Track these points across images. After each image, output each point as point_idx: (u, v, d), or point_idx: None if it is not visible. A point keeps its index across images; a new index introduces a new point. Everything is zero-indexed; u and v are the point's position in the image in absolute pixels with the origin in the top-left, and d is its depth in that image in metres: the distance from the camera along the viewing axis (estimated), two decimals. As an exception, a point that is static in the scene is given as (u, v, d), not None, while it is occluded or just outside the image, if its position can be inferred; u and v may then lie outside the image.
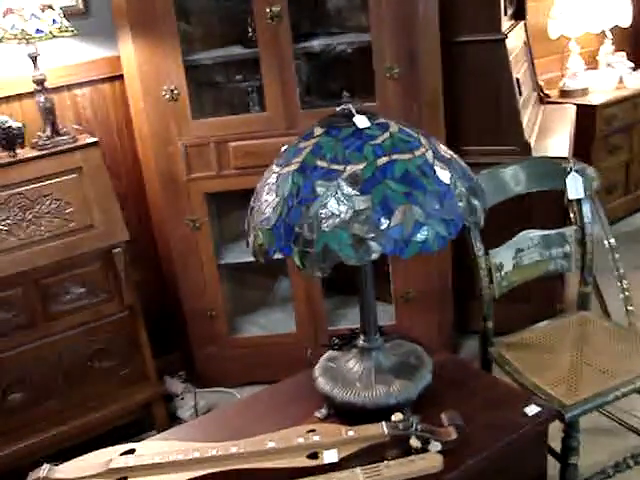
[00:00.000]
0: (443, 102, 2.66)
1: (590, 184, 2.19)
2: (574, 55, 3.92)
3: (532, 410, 1.71)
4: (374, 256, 1.46)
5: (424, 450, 1.57)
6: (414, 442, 1.56)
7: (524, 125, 2.89)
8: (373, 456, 1.57)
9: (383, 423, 1.60)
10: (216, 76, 2.81)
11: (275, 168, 1.62)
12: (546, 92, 3.89)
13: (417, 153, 1.53)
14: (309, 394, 1.83)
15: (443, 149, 1.62)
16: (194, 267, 2.79)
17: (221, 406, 2.84)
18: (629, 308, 3.08)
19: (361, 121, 1.57)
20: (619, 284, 3.16)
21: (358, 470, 1.51)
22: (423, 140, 1.58)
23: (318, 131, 1.62)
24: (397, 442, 1.58)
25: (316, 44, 2.63)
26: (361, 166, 1.49)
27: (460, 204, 1.52)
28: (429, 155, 1.54)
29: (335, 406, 1.76)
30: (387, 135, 1.55)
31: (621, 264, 3.13)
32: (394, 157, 1.51)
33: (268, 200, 1.57)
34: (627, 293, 3.13)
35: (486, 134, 2.84)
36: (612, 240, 3.18)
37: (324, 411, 1.79)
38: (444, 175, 1.53)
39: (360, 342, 1.80)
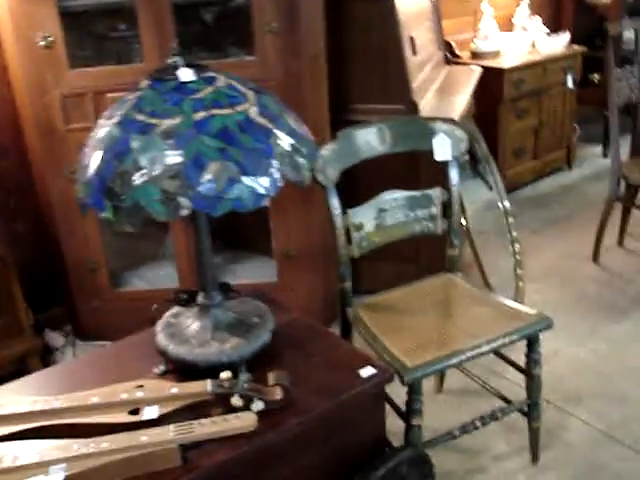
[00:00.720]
0: (329, 58, 2.63)
1: (458, 146, 2.18)
2: (487, 17, 3.89)
3: (366, 372, 1.72)
4: (184, 212, 1.44)
5: (246, 409, 1.57)
6: (235, 401, 1.56)
7: (416, 85, 2.87)
8: (196, 413, 1.57)
9: (208, 381, 1.59)
10: (97, 25, 2.72)
11: (101, 121, 1.58)
12: (457, 53, 3.88)
13: (239, 108, 1.50)
14: (153, 350, 1.82)
15: (274, 107, 1.58)
16: (75, 219, 2.74)
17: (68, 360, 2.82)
18: (518, 272, 3.15)
19: (185, 74, 1.53)
20: (511, 248, 3.23)
21: (171, 427, 1.50)
22: (251, 95, 1.55)
23: (144, 84, 1.59)
24: (221, 400, 1.58)
25: (194, -6, 2.57)
26: (177, 120, 1.45)
27: (281, 162, 1.50)
28: (252, 111, 1.51)
29: (172, 362, 1.76)
30: (210, 89, 1.52)
31: (514, 227, 3.21)
32: (213, 112, 1.47)
33: (89, 154, 1.54)
34: (518, 257, 3.19)
35: (373, 92, 2.81)
36: (506, 203, 3.24)
37: (162, 367, 1.78)
38: (265, 132, 1.50)
39: (199, 299, 1.79)
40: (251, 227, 3.02)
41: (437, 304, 2.15)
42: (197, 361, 1.70)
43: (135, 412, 1.58)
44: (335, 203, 2.04)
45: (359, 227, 2.12)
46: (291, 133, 1.56)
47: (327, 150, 2.03)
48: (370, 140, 2.12)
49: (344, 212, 2.07)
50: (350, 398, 1.66)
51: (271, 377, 1.62)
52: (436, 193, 2.21)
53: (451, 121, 2.73)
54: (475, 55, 3.86)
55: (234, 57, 2.62)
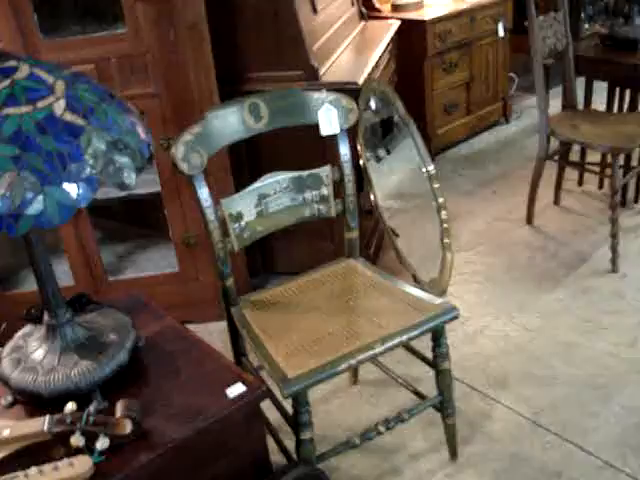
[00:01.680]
0: (216, 24, 2.36)
1: (346, 117, 1.95)
2: (405, -35, 3.61)
3: (235, 391, 1.52)
4: (-25, 234, 1.21)
5: (89, 449, 1.37)
6: (75, 440, 1.35)
7: (317, 47, 2.61)
8: (40, 455, 1.37)
9: (46, 418, 1.38)
10: None
11: None
12: (377, 6, 3.60)
13: (40, 105, 1.25)
14: (4, 377, 1.60)
15: (90, 98, 1.33)
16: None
17: None
18: (445, 241, 2.94)
19: (-29, 66, 1.27)
20: (437, 215, 3.02)
21: (-10, 482, 1.29)
22: (60, 86, 1.30)
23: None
24: (63, 440, 1.37)
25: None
26: (-39, 123, 1.21)
27: (93, 164, 1.26)
28: (58, 106, 1.26)
29: (18, 393, 1.54)
30: (6, 83, 1.26)
31: (440, 193, 2.99)
32: (5, 112, 1.22)
33: None
34: (445, 225, 2.98)
35: (269, 59, 2.55)
36: (430, 167, 3.01)
37: (9, 398, 1.57)
38: (72, 130, 1.26)
39: (45, 318, 1.57)
40: (155, 212, 2.78)
41: (333, 297, 1.93)
42: (41, 391, 1.49)
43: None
44: (204, 193, 1.79)
45: (237, 217, 1.88)
46: (112, 128, 1.31)
47: (190, 134, 1.78)
48: (243, 118, 1.87)
49: (218, 202, 1.83)
50: (214, 423, 1.46)
51: (119, 407, 1.41)
52: (325, 172, 1.98)
53: (354, 84, 2.49)
54: (396, 8, 3.58)
55: (105, 31, 2.34)
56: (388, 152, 3.56)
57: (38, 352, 1.56)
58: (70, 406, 1.40)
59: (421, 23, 3.42)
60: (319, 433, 2.17)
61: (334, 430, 2.19)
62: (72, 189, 1.23)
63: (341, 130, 1.95)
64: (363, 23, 3.28)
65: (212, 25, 2.46)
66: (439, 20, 3.45)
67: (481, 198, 3.41)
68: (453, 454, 2.02)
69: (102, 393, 1.52)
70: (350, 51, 2.90)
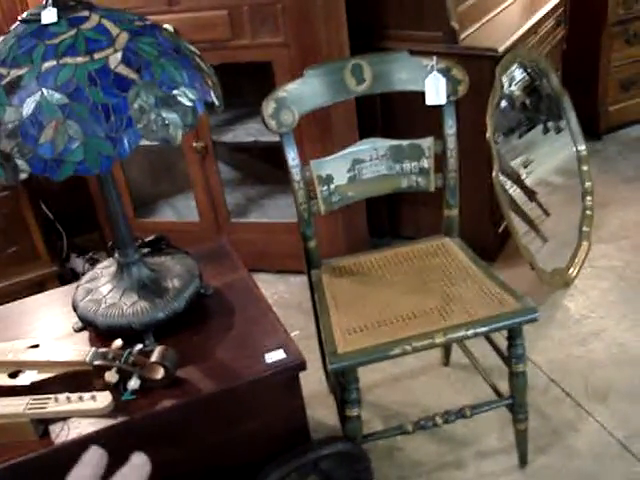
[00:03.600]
0: None
1: (456, 88, 1.82)
2: None
3: (273, 357, 1.52)
4: (23, 176, 1.29)
5: (122, 386, 1.45)
6: (109, 376, 1.44)
7: (465, 6, 2.45)
8: (78, 383, 1.47)
9: (91, 349, 1.48)
10: None
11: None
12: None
13: (97, 56, 1.29)
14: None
15: (149, 51, 1.34)
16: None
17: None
18: (584, 229, 2.72)
19: (47, 16, 1.32)
20: (582, 200, 2.78)
21: (27, 399, 1.40)
22: (122, 38, 1.32)
23: (15, 25, 1.40)
24: (103, 372, 1.46)
25: None
26: (23, 70, 1.27)
27: (139, 118, 1.28)
28: (114, 58, 1.29)
29: (81, 320, 1.65)
30: (72, 33, 1.30)
31: (588, 177, 2.74)
32: (64, 61, 1.27)
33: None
34: (588, 212, 2.75)
35: (408, 15, 2.43)
36: (581, 147, 2.78)
37: (80, 323, 1.69)
38: (123, 84, 1.28)
39: (115, 256, 1.65)
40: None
41: (416, 274, 1.84)
42: (97, 322, 1.58)
43: (15, 375, 1.51)
44: (292, 152, 1.78)
45: (327, 180, 1.85)
46: (165, 83, 1.32)
47: (284, 91, 1.75)
48: (344, 79, 1.81)
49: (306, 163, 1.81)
50: (245, 384, 1.48)
51: (155, 354, 1.47)
52: (427, 143, 1.87)
53: (493, 51, 2.32)
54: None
55: None
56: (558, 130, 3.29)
57: (106, 286, 1.64)
58: (117, 342, 1.48)
59: (603, -15, 3.08)
60: (394, 408, 2.14)
61: (411, 408, 2.13)
62: (113, 141, 1.26)
63: (448, 101, 1.82)
64: (534, -18, 3.02)
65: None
66: (626, -16, 3.09)
67: (641, 188, 3.08)
68: (523, 461, 1.89)
69: (155, 335, 1.58)
70: (507, 13, 2.69)
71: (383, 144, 1.87)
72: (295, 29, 2.27)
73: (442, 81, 1.81)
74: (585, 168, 2.76)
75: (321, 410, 2.12)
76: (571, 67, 3.23)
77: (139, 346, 1.48)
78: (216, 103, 1.44)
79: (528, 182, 2.86)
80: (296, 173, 1.79)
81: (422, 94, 1.82)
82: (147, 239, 1.83)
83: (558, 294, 2.50)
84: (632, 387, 2.09)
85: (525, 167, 2.97)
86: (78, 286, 1.70)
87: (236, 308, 1.71)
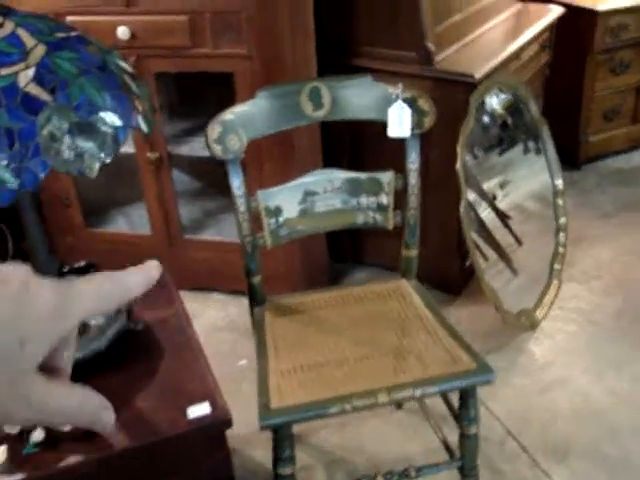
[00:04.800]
0: None
1: (421, 120, 1.68)
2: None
3: (196, 411, 1.37)
4: None
5: (25, 437, 1.30)
6: (8, 427, 1.29)
7: (443, 27, 2.31)
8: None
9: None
10: None
11: None
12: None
13: (4, 72, 1.13)
14: None
15: (67, 68, 1.19)
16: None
17: None
18: (555, 267, 2.59)
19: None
20: (555, 236, 2.66)
21: None
22: (38, 52, 1.17)
23: None
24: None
25: None
26: None
27: (48, 146, 1.13)
28: (24, 75, 1.13)
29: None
30: (-22, 42, 1.15)
31: (563, 212, 2.62)
32: (-34, 74, 1.12)
33: None
34: (560, 249, 2.63)
35: (382, 33, 2.29)
36: (558, 182, 2.65)
37: None
38: (33, 106, 1.13)
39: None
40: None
41: (365, 319, 1.70)
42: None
43: None
44: (237, 181, 1.63)
45: (275, 212, 1.70)
46: (83, 106, 1.17)
47: (232, 114, 1.60)
48: (301, 103, 1.66)
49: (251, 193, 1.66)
50: (165, 441, 1.33)
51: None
52: (387, 178, 1.73)
53: (469, 77, 2.18)
54: (569, -10, 3.12)
55: None
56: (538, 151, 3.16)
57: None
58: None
59: (591, 13, 2.95)
60: (339, 454, 2.00)
61: (356, 455, 1.99)
62: (16, 171, 1.11)
63: (412, 134, 1.68)
64: (519, 5, 2.89)
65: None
66: (615, 12, 2.96)
67: (618, 223, 2.95)
68: (470, 525, 1.75)
69: (73, 375, 1.43)
70: (489, 35, 2.55)
71: (338, 175, 1.73)
72: (259, 40, 2.12)
73: (407, 112, 1.66)
74: (560, 202, 2.63)
75: (261, 450, 1.97)
76: (553, 94, 3.10)
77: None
78: (144, 130, 1.29)
79: (503, 205, 2.74)
80: (241, 204, 1.64)
81: (385, 124, 1.68)
82: (76, 265, 1.68)
83: (523, 336, 2.37)
84: (593, 444, 1.96)
85: (502, 188, 2.85)
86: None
87: (165, 349, 1.56)
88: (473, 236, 2.38)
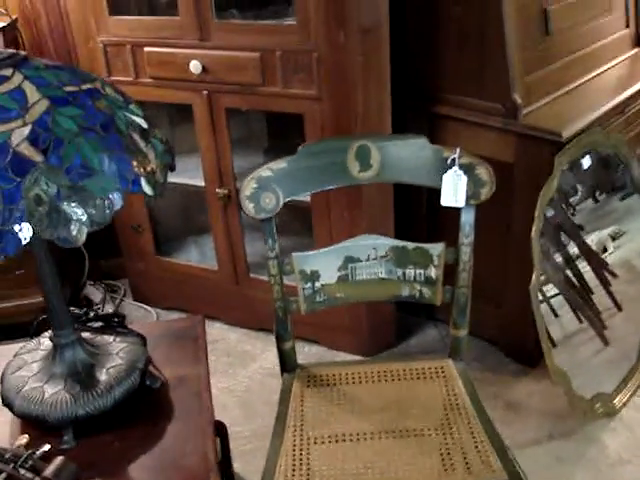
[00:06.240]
0: (412, 29, 2.04)
1: (478, 190, 1.51)
2: None
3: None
4: None
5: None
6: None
7: (535, 76, 2.11)
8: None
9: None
10: None
11: None
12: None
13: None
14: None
15: (67, 127, 1.12)
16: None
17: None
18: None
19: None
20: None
21: None
22: (37, 109, 1.11)
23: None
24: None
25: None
26: None
27: (32, 210, 1.07)
28: (19, 133, 1.08)
29: (-2, 398, 1.47)
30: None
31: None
32: (-42, 132, 1.07)
33: None
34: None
35: (468, 81, 2.11)
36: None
37: (3, 399, 1.51)
38: (22, 167, 1.07)
39: (49, 333, 1.47)
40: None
41: (399, 403, 1.55)
42: (15, 405, 1.39)
43: None
44: (270, 242, 1.53)
45: (312, 277, 1.58)
46: (75, 169, 1.10)
47: (270, 170, 1.50)
48: (347, 162, 1.54)
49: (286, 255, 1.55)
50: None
51: (50, 468, 1.25)
52: (437, 249, 1.57)
53: (557, 135, 1.97)
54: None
55: (273, 19, 2.11)
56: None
57: (38, 363, 1.46)
58: (22, 438, 1.29)
59: None
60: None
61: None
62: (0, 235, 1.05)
63: (467, 204, 1.52)
64: (637, 50, 2.61)
65: (406, 30, 2.13)
66: None
67: None
68: None
69: (78, 431, 1.38)
70: (589, 87, 2.31)
71: (384, 242, 1.58)
72: (330, 82, 2.01)
73: (463, 180, 1.50)
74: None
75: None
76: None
77: (46, 447, 1.27)
78: (147, 193, 1.20)
79: (611, 260, 2.47)
80: (273, 266, 1.54)
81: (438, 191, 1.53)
82: (103, 313, 1.64)
83: (599, 424, 2.12)
84: None
85: (614, 239, 2.59)
86: (16, 354, 1.52)
87: (176, 413, 1.47)
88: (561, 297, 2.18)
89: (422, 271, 1.59)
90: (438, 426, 1.47)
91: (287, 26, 2.02)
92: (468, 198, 1.51)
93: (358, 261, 1.59)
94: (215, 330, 2.60)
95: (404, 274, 1.60)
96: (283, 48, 2.02)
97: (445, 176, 1.51)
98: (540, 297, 2.23)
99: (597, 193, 2.39)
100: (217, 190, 2.34)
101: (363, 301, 1.66)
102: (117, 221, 2.65)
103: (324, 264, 1.58)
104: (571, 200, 2.38)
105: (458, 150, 1.50)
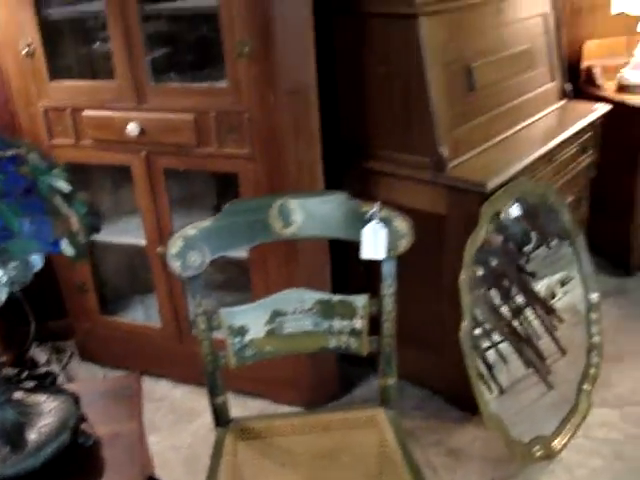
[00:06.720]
0: (344, 88, 2.14)
1: (397, 242, 1.56)
2: (646, 37, 2.94)
3: None
4: None
5: None
6: None
7: (461, 130, 2.20)
8: None
9: None
10: (78, 34, 2.44)
11: None
12: (598, 83, 3.00)
13: None
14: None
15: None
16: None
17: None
18: (584, 387, 2.37)
19: None
20: (586, 355, 2.45)
21: None
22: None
23: None
24: None
25: (165, 7, 2.15)
26: None
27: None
28: None
29: None
30: None
31: (597, 328, 2.41)
32: None
33: None
34: (592, 370, 2.40)
35: (397, 137, 2.20)
36: (592, 297, 2.45)
37: None
38: None
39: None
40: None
41: (330, 454, 1.58)
42: None
43: None
44: (197, 298, 1.56)
45: (240, 332, 1.61)
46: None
47: (195, 229, 1.55)
48: (269, 220, 1.59)
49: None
50: None
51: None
52: (361, 301, 1.61)
53: (480, 187, 2.05)
54: (622, 88, 2.93)
55: (206, 82, 2.19)
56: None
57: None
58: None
59: (636, 110, 2.76)
60: None
61: None
62: None
63: (388, 257, 1.57)
64: (563, 102, 2.74)
65: (336, 90, 2.22)
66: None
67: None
68: None
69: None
70: (519, 137, 2.41)
71: (310, 296, 1.62)
72: (262, 142, 2.08)
73: (382, 233, 1.56)
74: (594, 317, 2.43)
75: None
76: (601, 195, 2.91)
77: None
78: (68, 254, 1.24)
79: (559, 305, 2.52)
80: (201, 322, 1.57)
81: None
82: (36, 372, 1.64)
83: (538, 467, 2.15)
84: None
85: (563, 285, 2.66)
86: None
87: (107, 470, 1.48)
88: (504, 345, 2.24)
89: (347, 322, 1.63)
90: (369, 476, 1.49)
91: (220, 88, 2.09)
92: (388, 250, 1.56)
93: (285, 315, 1.62)
94: (161, 388, 2.60)
95: (330, 326, 1.64)
96: (217, 109, 2.09)
97: (364, 230, 1.57)
98: (488, 343, 2.30)
99: (549, 240, 2.47)
100: (158, 249, 2.37)
101: (292, 354, 1.68)
102: (61, 281, 2.66)
103: (252, 318, 1.61)
104: (525, 249, 2.47)
105: (377, 204, 1.56)
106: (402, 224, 1.56)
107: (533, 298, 2.42)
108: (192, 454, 2.28)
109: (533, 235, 2.47)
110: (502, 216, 2.21)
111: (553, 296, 2.59)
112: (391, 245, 1.56)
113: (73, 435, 1.50)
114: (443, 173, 2.12)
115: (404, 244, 1.56)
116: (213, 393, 1.64)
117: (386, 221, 1.56)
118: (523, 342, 2.35)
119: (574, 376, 2.45)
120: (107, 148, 2.30)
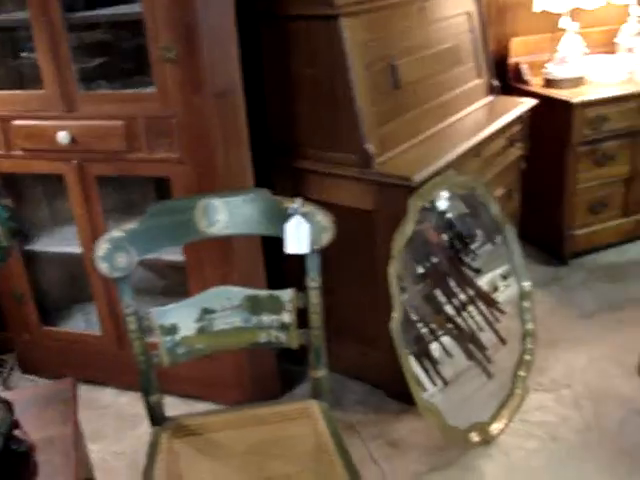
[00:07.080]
0: (272, 89, 2.17)
1: (319, 235, 1.60)
2: (568, 35, 3.03)
3: None
4: None
5: None
6: None
7: (391, 126, 2.27)
8: None
9: None
10: (5, 44, 2.43)
11: None
12: (526, 79, 3.10)
13: None
14: None
15: None
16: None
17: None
18: (520, 374, 2.44)
19: None
20: (521, 342, 2.52)
21: None
22: None
23: None
24: None
25: (91, 15, 2.17)
26: None
27: None
28: None
29: None
30: None
31: (530, 315, 2.48)
32: None
33: None
34: (526, 356, 2.47)
35: (324, 136, 2.25)
36: (525, 284, 2.52)
37: None
38: None
39: None
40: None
41: (262, 446, 1.60)
42: None
43: None
44: (127, 299, 1.58)
45: (171, 330, 1.64)
46: None
47: (121, 231, 1.56)
48: (195, 219, 1.62)
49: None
50: None
51: None
52: (288, 296, 1.65)
53: (406, 180, 2.11)
54: (549, 83, 3.03)
55: (136, 88, 2.21)
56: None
57: None
58: None
59: (566, 105, 2.86)
60: None
61: None
62: None
63: (311, 251, 1.61)
64: (491, 98, 2.82)
65: (264, 91, 2.26)
66: (590, 104, 2.86)
67: (601, 325, 2.77)
68: None
69: None
70: (446, 132, 2.48)
71: (238, 292, 1.66)
72: (191, 146, 2.11)
73: (304, 227, 1.60)
74: (527, 305, 2.50)
75: None
76: (534, 187, 3.00)
77: None
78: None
79: (502, 298, 2.59)
80: (131, 322, 1.59)
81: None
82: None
83: (476, 452, 2.21)
84: None
85: (505, 278, 2.72)
86: None
87: (41, 475, 1.48)
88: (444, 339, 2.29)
89: (276, 317, 1.67)
90: (302, 467, 1.52)
91: (148, 94, 2.11)
92: (311, 244, 1.60)
93: (214, 312, 1.65)
94: (106, 395, 2.60)
95: (260, 321, 1.67)
96: (146, 115, 2.11)
97: (287, 225, 1.61)
98: (432, 337, 2.35)
99: (494, 236, 2.53)
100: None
101: (224, 350, 1.71)
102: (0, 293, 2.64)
103: (182, 317, 1.64)
104: (472, 246, 2.54)
105: (299, 200, 1.60)
106: (324, 218, 1.60)
107: (476, 293, 2.49)
108: (136, 459, 2.28)
109: (479, 232, 2.55)
110: (448, 215, 2.29)
111: (496, 289, 2.66)
112: (314, 239, 1.60)
113: (6, 441, 1.51)
114: (370, 169, 2.17)
115: (327, 238, 1.61)
116: (147, 392, 1.67)
117: (308, 216, 1.60)
118: (465, 336, 2.41)
119: (512, 364, 2.52)
120: (38, 157, 2.30)
